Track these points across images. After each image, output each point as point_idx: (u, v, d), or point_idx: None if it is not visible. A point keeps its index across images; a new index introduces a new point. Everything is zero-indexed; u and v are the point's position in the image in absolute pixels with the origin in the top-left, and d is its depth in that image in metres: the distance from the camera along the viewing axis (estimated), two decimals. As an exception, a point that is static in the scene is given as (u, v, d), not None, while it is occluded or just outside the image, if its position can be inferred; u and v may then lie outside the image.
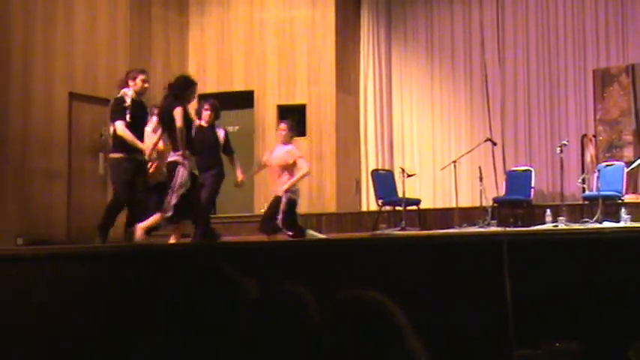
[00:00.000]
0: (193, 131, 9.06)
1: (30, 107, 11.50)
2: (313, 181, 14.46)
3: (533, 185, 13.28)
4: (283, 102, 14.57)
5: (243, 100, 14.57)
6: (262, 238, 9.65)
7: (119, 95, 9.06)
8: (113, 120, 9.03)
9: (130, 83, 9.04)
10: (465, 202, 13.79)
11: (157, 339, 2.79)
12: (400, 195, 13.01)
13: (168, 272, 5.56)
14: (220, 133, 9.82)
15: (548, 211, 12.21)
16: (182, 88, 8.88)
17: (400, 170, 13.16)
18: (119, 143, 8.99)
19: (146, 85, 9.15)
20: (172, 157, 8.71)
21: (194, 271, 3.03)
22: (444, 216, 13.38)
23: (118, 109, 8.98)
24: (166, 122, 8.78)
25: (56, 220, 11.68)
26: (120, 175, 9.07)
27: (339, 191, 14.46)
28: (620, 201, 12.27)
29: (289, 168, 9.77)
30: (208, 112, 9.74)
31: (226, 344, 2.75)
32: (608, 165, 12.77)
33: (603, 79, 13.70)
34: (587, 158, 13.60)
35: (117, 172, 9.13)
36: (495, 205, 13.07)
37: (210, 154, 9.54)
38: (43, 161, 11.60)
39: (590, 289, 4.98)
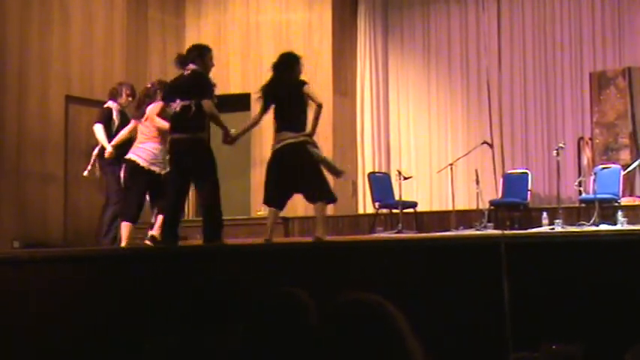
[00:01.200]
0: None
1: (26, 110, 11.49)
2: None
3: (529, 188, 13.28)
4: (280, 105, 14.55)
5: (240, 102, 14.51)
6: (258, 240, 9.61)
7: (203, 72, 8.20)
8: (199, 96, 7.96)
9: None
10: (462, 204, 13.77)
11: (154, 340, 2.79)
12: (397, 198, 13.00)
13: (164, 274, 5.56)
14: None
15: (545, 214, 12.19)
16: (299, 66, 8.64)
17: (397, 173, 13.16)
18: (203, 121, 8.05)
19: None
20: (293, 138, 8.32)
21: (189, 273, 3.03)
22: (441, 219, 13.37)
23: (208, 84, 8.11)
24: (287, 100, 8.40)
25: (52, 223, 11.66)
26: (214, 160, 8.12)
27: (336, 194, 14.41)
28: (616, 204, 12.26)
29: None
30: (131, 98, 9.54)
31: (226, 345, 2.75)
32: (604, 168, 12.78)
33: (600, 82, 13.71)
34: (584, 161, 13.60)
35: (212, 156, 8.11)
36: (492, 207, 13.07)
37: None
38: (39, 164, 11.59)
39: (587, 291, 4.98)
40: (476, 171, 13.13)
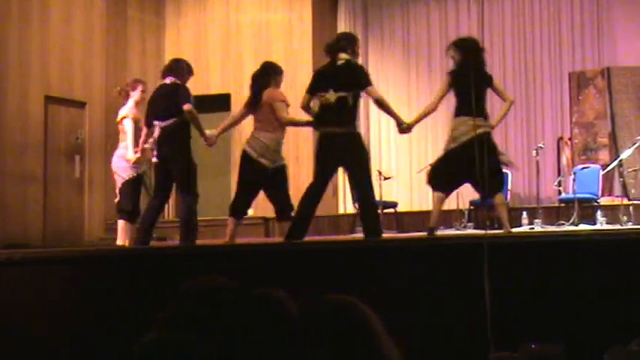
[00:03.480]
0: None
1: (5, 110, 11.42)
2: (290, 184, 14.41)
3: (509, 188, 13.33)
4: (260, 105, 14.52)
5: (220, 102, 14.50)
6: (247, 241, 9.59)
7: (357, 62, 8.19)
8: (357, 88, 7.88)
9: None
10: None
11: (138, 342, 2.78)
12: (377, 198, 12.97)
13: (144, 275, 5.54)
14: None
15: (525, 214, 12.26)
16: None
17: (377, 173, 13.16)
18: (355, 114, 8.08)
19: None
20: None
21: (170, 274, 3.02)
22: (421, 219, 13.37)
23: (366, 74, 8.11)
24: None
25: (32, 224, 11.59)
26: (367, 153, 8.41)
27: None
28: (596, 203, 12.34)
29: None
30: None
31: (205, 347, 2.74)
32: (584, 168, 12.85)
33: (579, 82, 13.78)
34: (563, 161, 13.67)
35: (366, 150, 8.37)
36: (472, 207, 13.10)
37: None
38: (18, 164, 11.52)
39: (567, 291, 5.00)
40: (456, 171, 13.17)
